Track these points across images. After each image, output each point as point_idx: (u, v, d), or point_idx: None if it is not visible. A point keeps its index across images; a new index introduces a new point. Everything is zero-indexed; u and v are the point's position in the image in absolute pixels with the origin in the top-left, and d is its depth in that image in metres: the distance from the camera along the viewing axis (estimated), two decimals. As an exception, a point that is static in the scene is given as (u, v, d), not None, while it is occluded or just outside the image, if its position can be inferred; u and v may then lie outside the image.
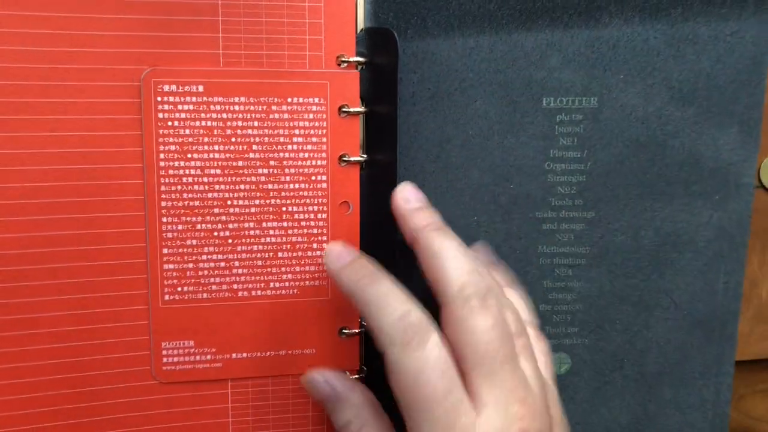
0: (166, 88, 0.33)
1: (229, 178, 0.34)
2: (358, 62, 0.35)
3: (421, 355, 0.28)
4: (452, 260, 0.30)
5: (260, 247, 0.35)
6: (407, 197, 0.33)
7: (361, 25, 0.35)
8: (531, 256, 0.39)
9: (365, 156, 0.35)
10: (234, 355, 0.36)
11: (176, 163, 0.33)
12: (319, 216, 0.35)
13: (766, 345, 0.47)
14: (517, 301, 0.33)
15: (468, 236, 0.38)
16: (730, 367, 0.41)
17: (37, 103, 0.32)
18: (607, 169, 0.38)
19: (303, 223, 0.35)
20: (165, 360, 0.35)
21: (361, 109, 0.35)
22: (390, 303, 0.29)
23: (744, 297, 0.45)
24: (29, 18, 0.31)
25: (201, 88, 0.33)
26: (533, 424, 0.28)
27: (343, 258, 0.32)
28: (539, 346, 0.33)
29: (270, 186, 0.34)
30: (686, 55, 0.37)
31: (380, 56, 0.35)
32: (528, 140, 0.38)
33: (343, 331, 0.36)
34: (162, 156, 0.33)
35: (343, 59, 0.34)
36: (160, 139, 0.33)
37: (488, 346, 0.28)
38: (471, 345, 0.28)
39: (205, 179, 0.34)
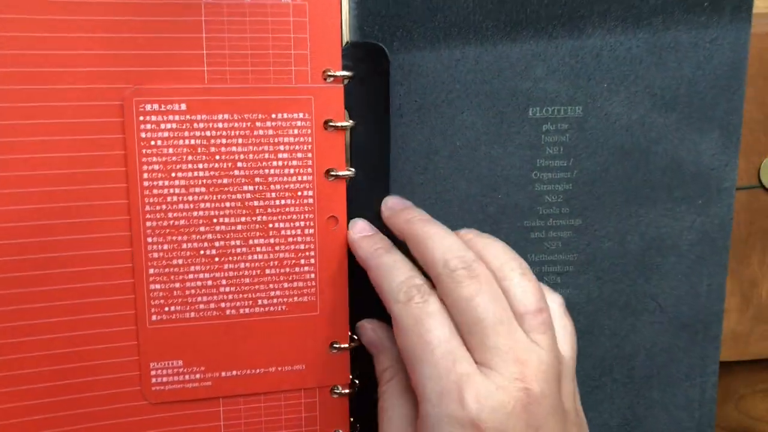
0: (148, 107, 0.32)
1: (215, 196, 0.34)
2: (345, 76, 0.34)
3: (421, 308, 0.31)
4: (437, 240, 0.32)
5: (247, 264, 0.35)
6: (394, 205, 0.36)
7: (345, 38, 0.35)
8: (520, 265, 0.39)
9: (352, 170, 0.35)
10: (224, 374, 0.35)
11: (160, 183, 0.33)
12: (306, 231, 0.35)
13: (766, 345, 0.48)
14: (535, 281, 0.33)
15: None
16: (715, 366, 0.42)
17: (18, 125, 0.31)
18: (593, 177, 0.39)
19: (290, 239, 0.35)
20: (154, 380, 0.35)
21: (348, 123, 0.35)
22: (398, 268, 0.33)
23: (744, 297, 0.47)
24: (9, 39, 0.30)
25: (184, 107, 0.33)
26: (536, 385, 0.29)
27: (365, 231, 0.35)
28: (561, 323, 0.33)
29: (256, 203, 0.34)
30: (668, 63, 0.38)
31: (368, 70, 0.35)
32: (515, 150, 0.38)
33: (334, 345, 0.36)
34: (146, 176, 0.33)
35: (329, 74, 0.34)
36: (144, 159, 0.33)
37: (476, 312, 0.30)
38: (462, 312, 0.30)
39: (190, 198, 0.34)
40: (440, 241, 0.32)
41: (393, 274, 0.32)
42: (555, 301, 0.34)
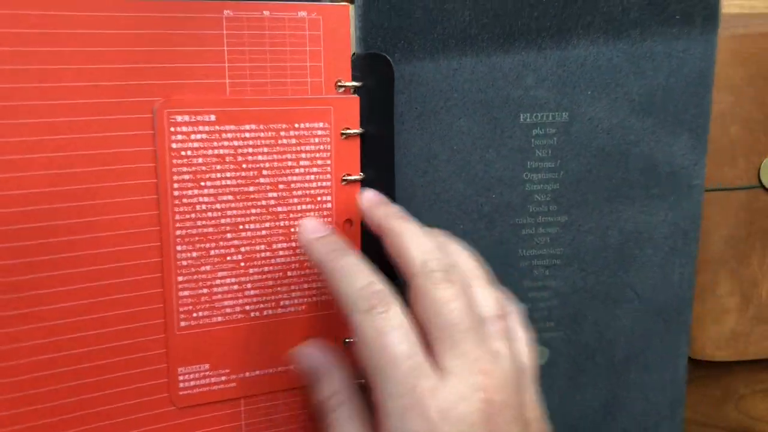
0: (179, 118, 0.33)
1: (241, 204, 0.35)
2: (355, 86, 0.36)
3: (383, 320, 0.30)
4: (415, 239, 0.32)
5: (271, 267, 0.36)
6: (371, 198, 0.36)
7: (351, 49, 0.37)
8: (512, 259, 0.42)
9: (363, 174, 0.37)
10: (247, 374, 0.37)
11: (190, 192, 0.34)
12: None
13: (766, 345, 0.50)
14: (498, 290, 0.34)
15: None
16: (685, 349, 0.46)
17: (48, 141, 0.31)
18: (578, 177, 0.42)
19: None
20: (182, 385, 0.36)
21: (360, 130, 0.37)
22: (356, 273, 0.31)
23: (744, 297, 0.49)
24: (36, 54, 0.31)
25: (213, 117, 0.34)
26: (497, 396, 0.29)
27: (318, 231, 0.34)
28: (519, 333, 0.33)
29: (279, 209, 0.36)
30: (645, 71, 0.41)
31: (374, 79, 0.37)
32: (508, 153, 0.41)
33: (346, 341, 0.38)
34: (176, 186, 0.34)
35: (341, 84, 0.36)
36: (174, 169, 0.34)
37: (450, 316, 0.30)
38: (434, 315, 0.30)
39: (218, 206, 0.35)
40: (419, 241, 0.32)
41: (351, 278, 0.31)
42: (514, 312, 0.34)
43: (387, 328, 0.29)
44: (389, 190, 0.37)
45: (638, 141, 0.42)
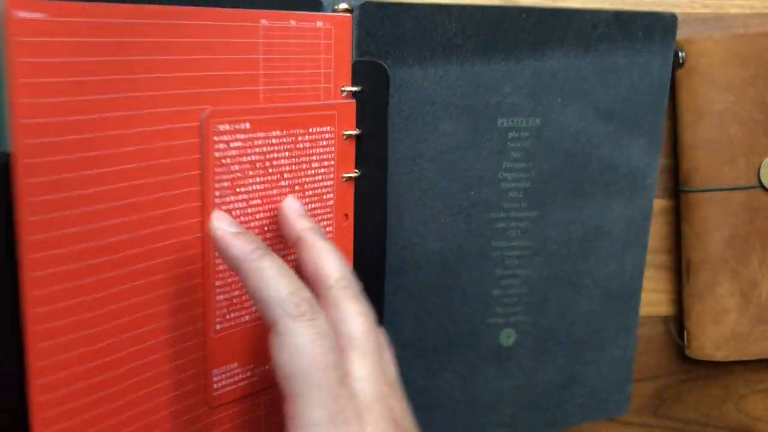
0: (221, 127, 0.34)
1: (267, 206, 0.37)
2: (355, 91, 0.40)
3: (313, 327, 0.30)
4: (334, 257, 0.34)
5: (289, 264, 0.37)
6: (294, 207, 0.36)
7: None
8: (487, 250, 0.46)
9: (358, 172, 0.41)
10: (267, 366, 0.38)
11: (227, 198, 0.35)
12: (327, 230, 0.40)
13: (766, 345, 0.52)
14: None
15: (438, 235, 0.45)
16: (634, 329, 0.51)
17: (103, 155, 0.31)
18: (547, 177, 0.46)
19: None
20: (215, 386, 0.36)
21: (358, 131, 0.40)
22: (284, 276, 0.31)
23: (744, 297, 0.51)
24: (90, 64, 0.30)
25: (248, 125, 0.35)
26: (398, 405, 0.32)
27: (234, 226, 0.33)
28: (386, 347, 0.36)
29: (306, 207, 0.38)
30: (609, 82, 0.46)
31: (370, 84, 0.40)
32: (486, 155, 0.44)
33: None
34: (217, 193, 0.35)
35: (344, 89, 0.39)
36: (216, 177, 0.34)
37: (363, 327, 0.32)
38: (349, 325, 0.32)
39: (249, 210, 0.36)
40: (338, 259, 0.34)
41: (279, 281, 0.31)
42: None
43: (317, 336, 0.30)
44: (382, 186, 0.41)
45: (601, 144, 0.47)
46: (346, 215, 0.41)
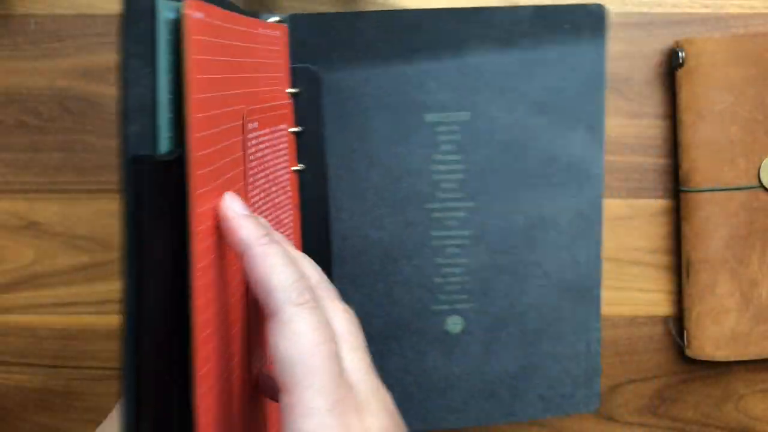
0: (250, 125, 0.37)
1: (262, 200, 0.39)
2: (296, 93, 0.45)
3: (315, 315, 0.30)
4: (310, 262, 0.35)
5: None
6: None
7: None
8: (426, 239, 0.49)
9: (302, 166, 0.46)
10: None
11: (251, 194, 0.37)
12: (289, 220, 0.45)
13: (766, 345, 0.52)
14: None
15: (375, 226, 0.48)
16: (597, 324, 0.51)
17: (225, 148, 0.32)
18: (481, 168, 0.48)
19: (287, 227, 0.44)
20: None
21: (300, 129, 0.46)
22: (289, 264, 0.31)
23: (744, 297, 0.52)
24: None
25: (257, 125, 0.38)
26: (389, 398, 0.33)
27: (245, 210, 0.32)
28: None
29: (277, 199, 0.42)
30: (537, 75, 0.47)
31: (306, 87, 0.46)
32: (416, 149, 0.48)
33: None
34: (249, 188, 0.37)
35: (288, 91, 0.45)
36: (249, 173, 0.36)
37: (348, 324, 0.33)
38: (335, 321, 0.32)
39: (258, 203, 0.38)
40: (312, 262, 0.35)
41: (284, 269, 0.31)
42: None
43: (319, 324, 0.30)
44: (323, 178, 0.46)
45: (536, 136, 0.48)
46: (296, 205, 0.46)
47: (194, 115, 0.28)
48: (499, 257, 0.49)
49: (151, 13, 0.28)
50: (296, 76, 0.46)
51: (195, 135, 0.29)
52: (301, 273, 0.31)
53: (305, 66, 0.46)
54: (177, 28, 0.29)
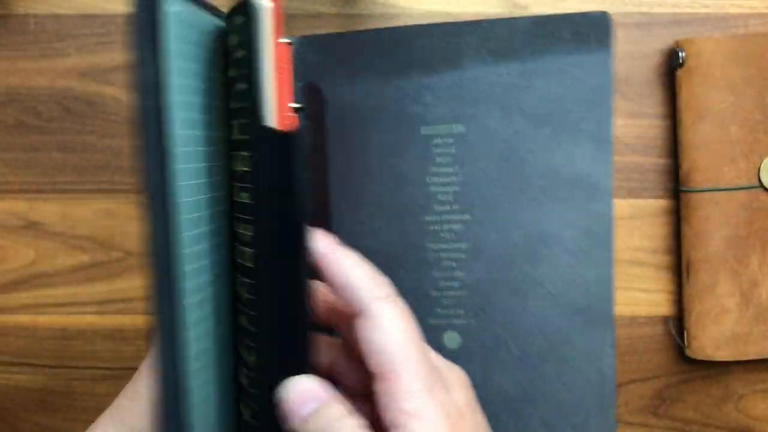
0: None
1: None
2: (301, 108, 0.45)
3: (400, 307, 0.32)
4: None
5: None
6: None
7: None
8: (422, 252, 0.48)
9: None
10: None
11: None
12: None
13: (766, 345, 0.51)
14: None
15: (372, 235, 0.48)
16: (611, 350, 0.48)
17: None
18: (477, 180, 0.47)
19: None
20: None
21: None
22: (362, 265, 0.34)
23: (744, 297, 0.51)
24: None
25: None
26: (462, 373, 0.36)
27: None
28: None
29: None
30: (537, 86, 0.45)
31: (310, 103, 0.46)
32: (412, 161, 0.47)
33: None
34: None
35: (293, 106, 0.44)
36: None
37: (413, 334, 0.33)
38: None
39: None
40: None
41: (361, 269, 0.33)
42: None
43: (406, 314, 0.32)
44: (325, 189, 0.46)
45: (535, 148, 0.46)
46: None
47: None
48: (497, 272, 0.48)
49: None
50: (301, 93, 0.46)
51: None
52: (376, 270, 0.34)
53: (308, 83, 0.46)
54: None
